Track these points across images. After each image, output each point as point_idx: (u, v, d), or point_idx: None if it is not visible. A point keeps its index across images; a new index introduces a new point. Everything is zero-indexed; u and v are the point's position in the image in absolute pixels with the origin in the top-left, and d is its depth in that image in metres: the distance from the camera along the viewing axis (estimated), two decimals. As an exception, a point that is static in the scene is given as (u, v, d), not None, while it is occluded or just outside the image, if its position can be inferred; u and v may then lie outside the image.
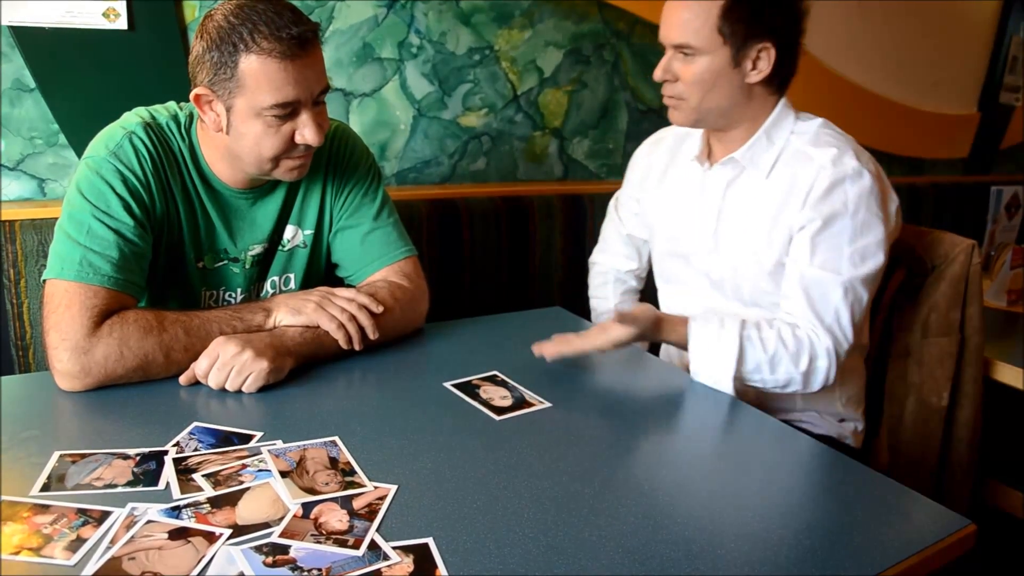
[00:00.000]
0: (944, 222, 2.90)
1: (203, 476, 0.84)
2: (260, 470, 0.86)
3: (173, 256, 1.21)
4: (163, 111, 1.20)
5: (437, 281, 1.83)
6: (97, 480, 0.82)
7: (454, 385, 1.13)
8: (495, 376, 1.17)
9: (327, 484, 0.84)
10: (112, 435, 0.92)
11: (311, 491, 0.82)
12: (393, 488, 0.84)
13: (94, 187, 1.09)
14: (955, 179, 3.18)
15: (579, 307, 1.65)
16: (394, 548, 0.73)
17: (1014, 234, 2.40)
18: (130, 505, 0.77)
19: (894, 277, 1.55)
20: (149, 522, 0.75)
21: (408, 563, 0.71)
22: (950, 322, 1.50)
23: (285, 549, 0.72)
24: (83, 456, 0.87)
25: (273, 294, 1.31)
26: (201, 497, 0.80)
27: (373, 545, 0.73)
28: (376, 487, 0.84)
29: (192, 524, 0.75)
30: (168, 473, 0.84)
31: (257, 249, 1.27)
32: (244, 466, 0.86)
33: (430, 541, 0.75)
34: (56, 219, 1.11)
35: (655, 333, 1.24)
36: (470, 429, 1.00)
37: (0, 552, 0.69)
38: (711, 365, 1.20)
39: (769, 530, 0.81)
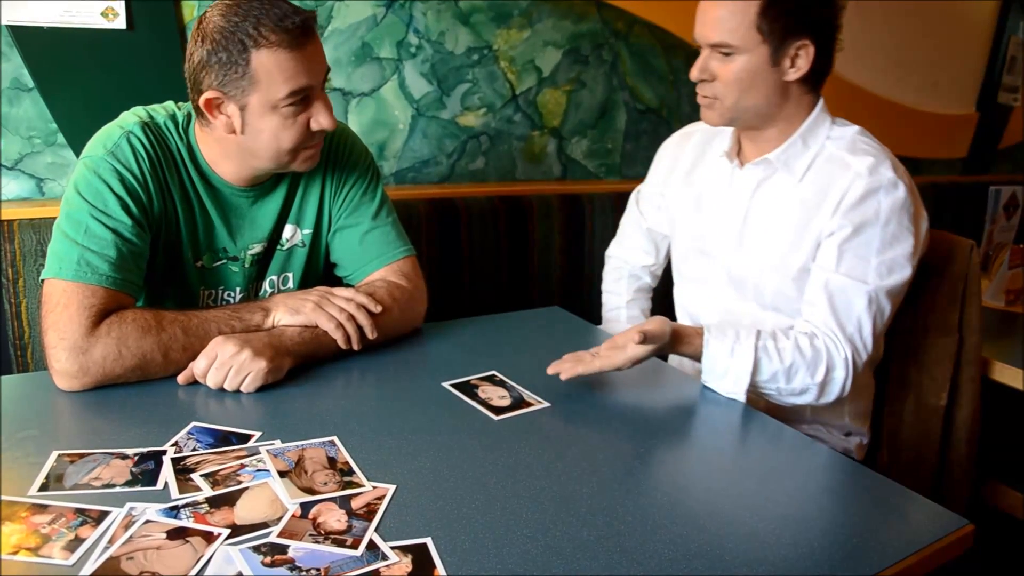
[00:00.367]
0: (943, 222, 2.89)
1: (201, 476, 0.84)
2: (258, 470, 0.86)
3: (171, 255, 1.21)
4: (161, 110, 1.20)
5: (436, 281, 1.83)
6: (95, 480, 0.82)
7: (452, 385, 1.13)
8: (494, 376, 1.17)
9: (325, 484, 0.84)
10: (110, 435, 0.92)
11: (309, 491, 0.82)
12: (391, 488, 0.84)
13: (92, 186, 1.09)
14: (953, 179, 3.18)
15: (578, 307, 1.65)
16: (392, 548, 0.73)
17: (1012, 234, 2.40)
18: (128, 505, 0.77)
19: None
20: (147, 522, 0.75)
21: (406, 563, 0.71)
22: (949, 322, 1.50)
23: (283, 549, 0.72)
24: (81, 456, 0.86)
25: (271, 293, 1.31)
26: (199, 497, 0.80)
27: (371, 545, 0.73)
28: (374, 487, 0.84)
29: (190, 524, 0.75)
30: (166, 473, 0.84)
31: (256, 248, 1.27)
32: (242, 466, 0.86)
33: (428, 541, 0.75)
34: (54, 219, 1.11)
35: (671, 347, 1.21)
36: (469, 429, 1.00)
37: (-2, 552, 0.69)
38: (725, 379, 1.17)
39: (767, 530, 0.81)
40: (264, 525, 0.76)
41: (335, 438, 0.94)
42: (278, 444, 0.92)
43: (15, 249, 1.46)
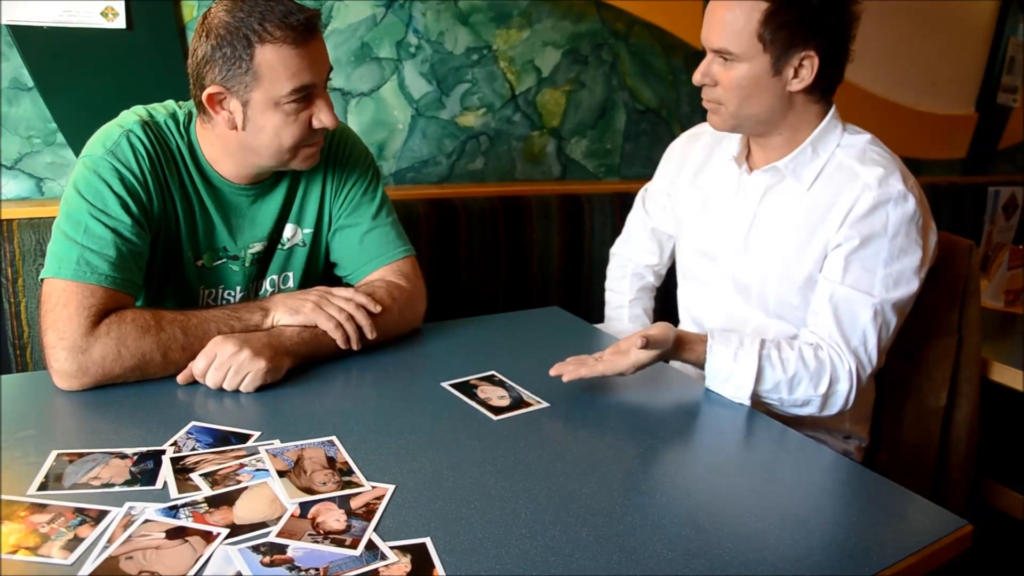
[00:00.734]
0: (942, 222, 2.87)
1: (200, 475, 0.84)
2: (258, 470, 0.86)
3: (171, 255, 1.21)
4: (161, 109, 1.20)
5: (435, 281, 1.83)
6: (94, 479, 0.82)
7: (452, 385, 1.13)
8: (493, 376, 1.17)
9: (325, 484, 0.84)
10: (109, 434, 0.92)
11: (309, 491, 0.82)
12: (391, 488, 0.84)
13: (91, 186, 1.09)
14: (953, 179, 3.18)
15: (577, 307, 1.65)
16: (392, 548, 0.73)
17: (1011, 234, 2.40)
18: (127, 504, 0.77)
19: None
20: (146, 521, 0.75)
21: (406, 563, 0.71)
22: (948, 323, 1.50)
23: (283, 549, 0.72)
24: (80, 455, 0.86)
25: (271, 293, 1.31)
26: (199, 496, 0.80)
27: (371, 545, 0.73)
28: (374, 487, 0.84)
29: (190, 523, 0.75)
30: (166, 472, 0.84)
31: (257, 247, 1.27)
32: (242, 466, 0.86)
33: (427, 541, 0.75)
34: (54, 218, 1.10)
35: (674, 353, 1.21)
36: (468, 429, 1.00)
37: (-3, 551, 0.69)
38: (728, 384, 1.17)
39: (766, 530, 0.81)
40: (263, 525, 0.76)
41: (334, 438, 0.94)
42: (277, 444, 0.92)
43: (14, 249, 1.46)
